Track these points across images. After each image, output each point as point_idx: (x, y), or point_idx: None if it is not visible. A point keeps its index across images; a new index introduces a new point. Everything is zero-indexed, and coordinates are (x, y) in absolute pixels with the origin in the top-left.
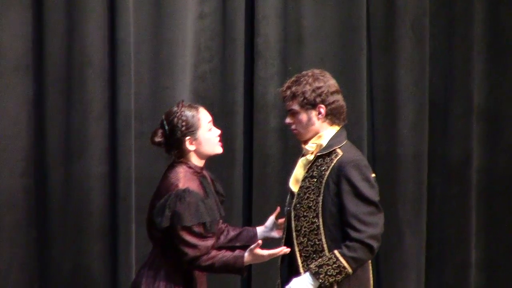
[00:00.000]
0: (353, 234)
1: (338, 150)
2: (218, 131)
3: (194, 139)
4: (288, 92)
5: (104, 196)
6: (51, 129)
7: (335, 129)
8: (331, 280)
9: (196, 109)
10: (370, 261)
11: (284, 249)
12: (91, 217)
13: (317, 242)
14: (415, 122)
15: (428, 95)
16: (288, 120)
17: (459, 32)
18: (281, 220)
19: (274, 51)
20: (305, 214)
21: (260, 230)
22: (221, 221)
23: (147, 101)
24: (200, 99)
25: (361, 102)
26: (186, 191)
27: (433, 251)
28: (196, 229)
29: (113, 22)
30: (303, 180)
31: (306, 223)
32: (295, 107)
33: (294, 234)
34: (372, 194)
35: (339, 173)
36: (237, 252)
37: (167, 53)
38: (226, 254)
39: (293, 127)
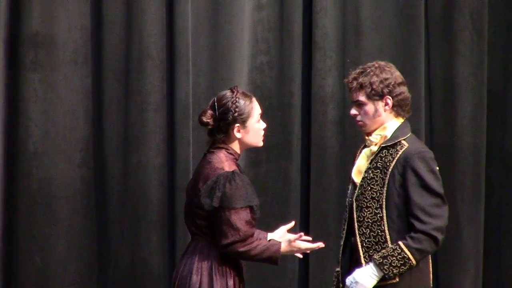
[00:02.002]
0: (418, 225)
1: (404, 142)
2: (264, 125)
3: (243, 127)
4: (355, 83)
5: (161, 187)
6: (109, 120)
7: (399, 121)
8: (395, 271)
9: (250, 98)
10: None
11: (320, 244)
12: (148, 208)
13: (380, 233)
14: (474, 113)
15: (487, 86)
16: (353, 111)
17: None
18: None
19: (332, 42)
20: (368, 205)
21: (270, 236)
22: None
23: (205, 92)
24: (258, 91)
25: (419, 93)
26: (235, 173)
27: (491, 242)
28: (244, 212)
29: (171, 14)
30: (366, 171)
31: (369, 214)
32: (362, 98)
33: (356, 224)
34: (438, 186)
35: (405, 164)
36: (273, 241)
37: (225, 45)
38: (262, 242)
39: (358, 118)
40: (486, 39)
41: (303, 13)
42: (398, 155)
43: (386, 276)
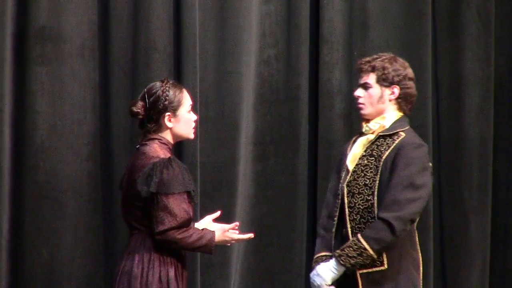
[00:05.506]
0: (381, 211)
1: (402, 133)
2: (196, 117)
3: (174, 116)
4: (367, 65)
5: None
6: (116, 114)
7: (399, 114)
8: (352, 262)
9: (180, 88)
10: (417, 241)
11: (250, 235)
12: None
13: (370, 220)
14: (481, 107)
15: (494, 79)
16: (358, 92)
17: None
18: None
19: (339, 36)
20: (360, 191)
21: (196, 226)
22: None
23: (212, 85)
24: (265, 84)
25: (426, 87)
26: (171, 159)
27: (498, 236)
28: (181, 197)
29: (178, 7)
30: (361, 158)
31: (361, 200)
32: (371, 80)
33: (347, 210)
34: (421, 179)
35: (398, 151)
36: (206, 229)
37: (232, 38)
38: (197, 230)
39: (360, 100)
40: (493, 33)
41: (310, 7)
42: (394, 144)
43: (345, 267)
